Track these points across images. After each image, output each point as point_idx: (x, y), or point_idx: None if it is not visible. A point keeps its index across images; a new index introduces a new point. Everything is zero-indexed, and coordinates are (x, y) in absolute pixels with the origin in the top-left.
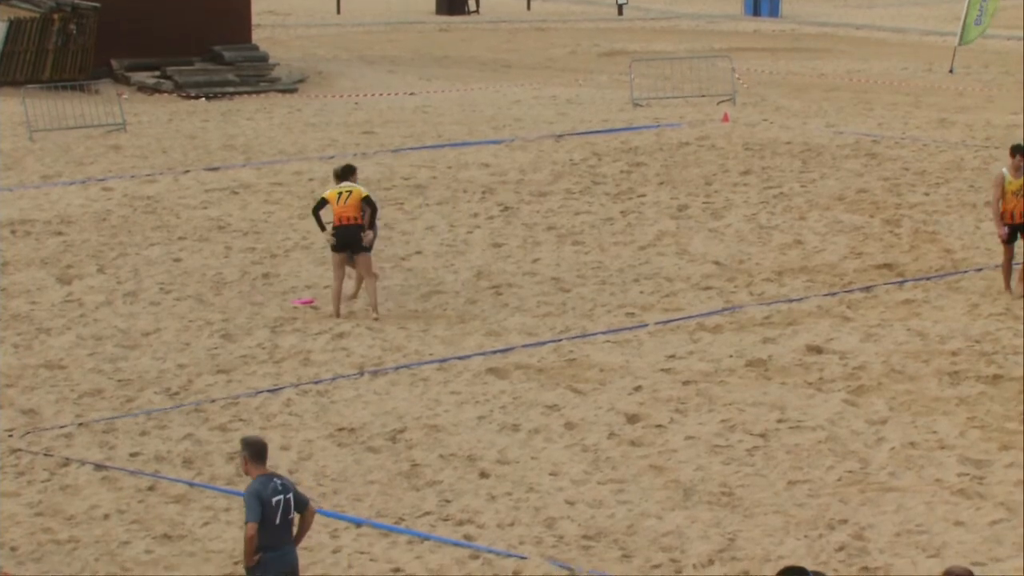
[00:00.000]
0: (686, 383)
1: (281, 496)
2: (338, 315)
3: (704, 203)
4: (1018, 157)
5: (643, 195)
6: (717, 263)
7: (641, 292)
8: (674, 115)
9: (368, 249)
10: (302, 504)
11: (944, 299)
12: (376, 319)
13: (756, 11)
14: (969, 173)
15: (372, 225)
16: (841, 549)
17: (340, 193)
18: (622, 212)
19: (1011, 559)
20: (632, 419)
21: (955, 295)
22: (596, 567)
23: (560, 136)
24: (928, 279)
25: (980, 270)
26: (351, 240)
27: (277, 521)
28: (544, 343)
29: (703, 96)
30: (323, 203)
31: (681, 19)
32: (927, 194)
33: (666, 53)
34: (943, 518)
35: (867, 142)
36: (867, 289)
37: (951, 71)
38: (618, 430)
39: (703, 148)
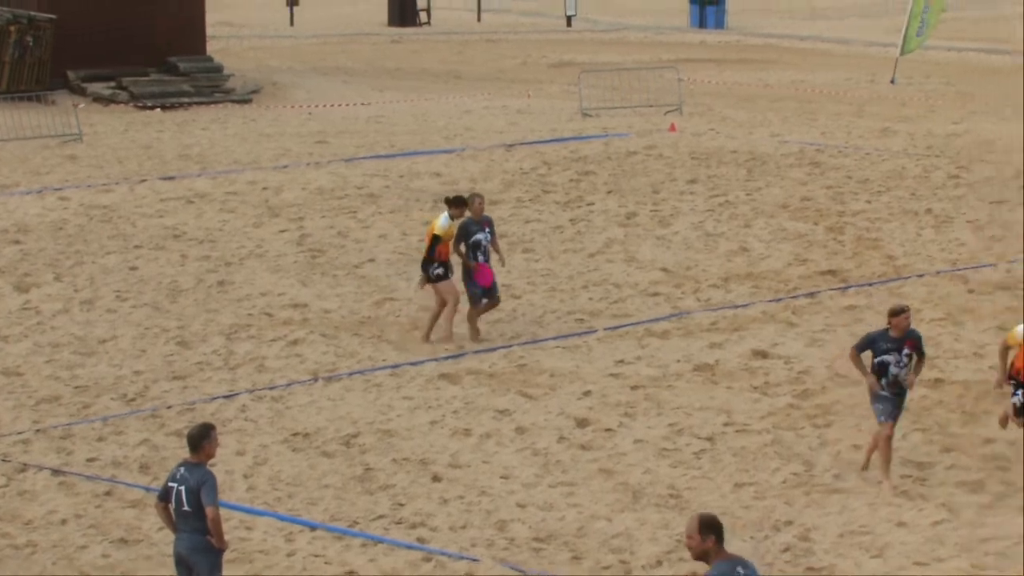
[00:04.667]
0: (634, 388)
1: (175, 485)
2: (427, 339)
3: (652, 211)
4: None
5: (592, 203)
6: (665, 270)
7: (590, 299)
8: (622, 125)
9: (434, 280)
10: (203, 504)
11: (886, 304)
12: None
13: (702, 23)
14: (911, 181)
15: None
16: (787, 550)
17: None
18: (571, 220)
19: (953, 559)
20: (582, 423)
21: (897, 301)
22: (547, 569)
23: (511, 146)
24: (871, 285)
25: (922, 276)
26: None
27: (172, 505)
28: (495, 349)
29: (651, 106)
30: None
31: (629, 31)
32: (869, 202)
33: (614, 64)
34: (886, 519)
35: (811, 151)
36: (811, 295)
37: (893, 81)
38: (568, 434)
39: (651, 157)
